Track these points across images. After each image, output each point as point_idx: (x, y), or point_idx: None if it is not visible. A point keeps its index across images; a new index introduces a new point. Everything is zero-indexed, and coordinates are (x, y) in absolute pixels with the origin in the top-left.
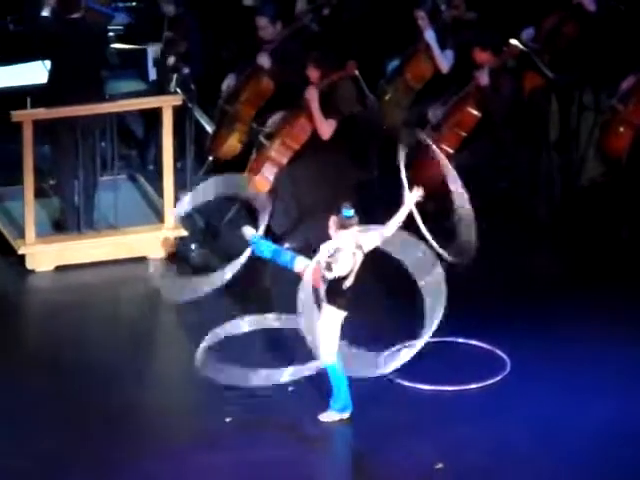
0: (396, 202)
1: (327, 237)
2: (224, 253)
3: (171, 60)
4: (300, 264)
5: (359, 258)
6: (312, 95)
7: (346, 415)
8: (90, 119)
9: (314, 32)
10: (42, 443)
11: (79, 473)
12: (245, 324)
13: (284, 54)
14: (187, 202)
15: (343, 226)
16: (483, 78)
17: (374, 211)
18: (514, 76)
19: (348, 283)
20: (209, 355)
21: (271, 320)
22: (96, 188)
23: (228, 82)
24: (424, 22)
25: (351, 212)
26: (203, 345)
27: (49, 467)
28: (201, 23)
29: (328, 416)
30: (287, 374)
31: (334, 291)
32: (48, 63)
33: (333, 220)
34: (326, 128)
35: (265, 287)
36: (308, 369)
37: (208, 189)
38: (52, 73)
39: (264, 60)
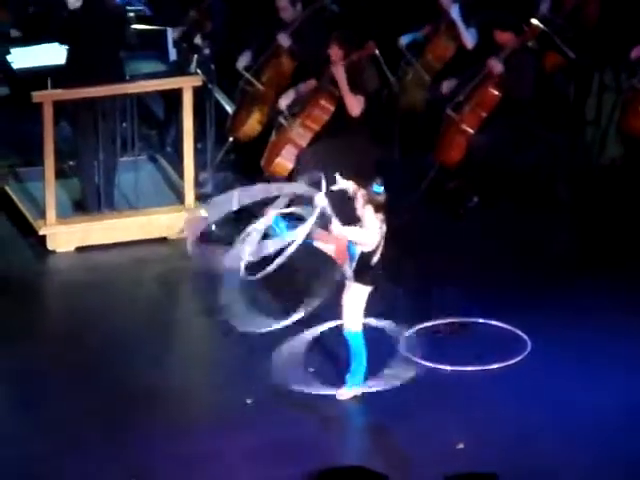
0: (418, 181)
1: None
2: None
3: (197, 40)
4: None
5: (383, 231)
6: (339, 72)
7: (363, 389)
8: (110, 100)
9: (334, 12)
10: (61, 423)
11: (98, 452)
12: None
13: (304, 34)
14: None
15: (371, 201)
16: (497, 67)
17: (396, 191)
18: (535, 56)
19: (375, 259)
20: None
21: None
22: (116, 169)
23: (244, 60)
24: (447, 0)
25: (381, 189)
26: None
27: (67, 446)
28: (224, 3)
29: (345, 393)
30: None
31: (362, 268)
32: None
33: (362, 194)
34: (356, 104)
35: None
36: None
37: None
38: (72, 54)
39: (284, 40)
